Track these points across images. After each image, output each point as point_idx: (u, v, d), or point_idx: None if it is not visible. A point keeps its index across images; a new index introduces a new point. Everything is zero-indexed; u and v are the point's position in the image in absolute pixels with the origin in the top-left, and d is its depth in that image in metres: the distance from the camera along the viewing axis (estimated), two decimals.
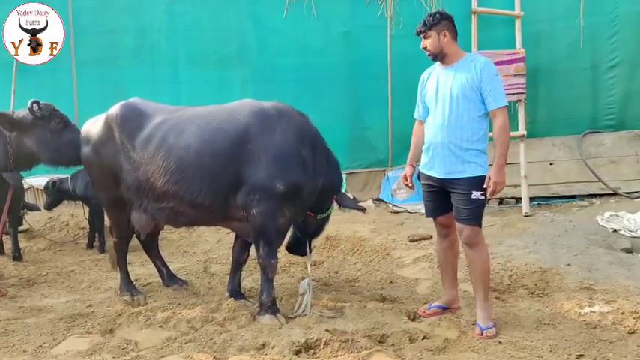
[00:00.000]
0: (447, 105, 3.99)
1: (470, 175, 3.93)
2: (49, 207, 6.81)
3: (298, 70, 8.14)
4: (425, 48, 4.09)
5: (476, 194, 3.91)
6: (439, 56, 4.07)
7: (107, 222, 6.25)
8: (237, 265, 4.75)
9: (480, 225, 4.01)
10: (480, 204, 3.96)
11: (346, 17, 8.18)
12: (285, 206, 4.25)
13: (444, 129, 3.99)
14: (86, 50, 8.01)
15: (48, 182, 6.74)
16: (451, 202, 4.06)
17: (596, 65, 7.95)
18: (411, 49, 7.90)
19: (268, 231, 4.21)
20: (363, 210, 4.83)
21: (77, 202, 6.84)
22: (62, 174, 6.66)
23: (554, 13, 7.92)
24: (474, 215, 3.96)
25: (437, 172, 4.07)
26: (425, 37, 4.07)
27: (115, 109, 4.53)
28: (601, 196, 7.42)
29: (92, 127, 4.66)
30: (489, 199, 4.00)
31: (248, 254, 4.81)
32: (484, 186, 3.89)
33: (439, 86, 4.07)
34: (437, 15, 4.06)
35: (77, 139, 4.77)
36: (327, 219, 4.69)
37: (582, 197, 7.49)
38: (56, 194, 6.70)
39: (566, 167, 7.66)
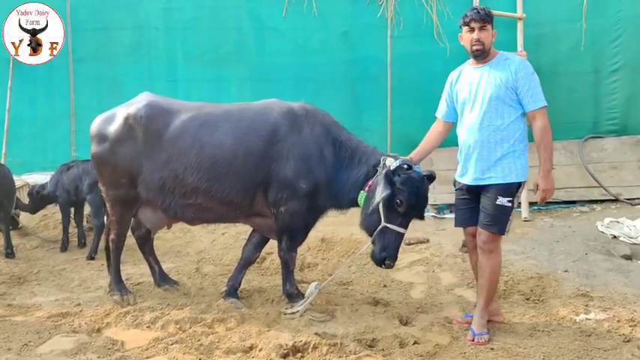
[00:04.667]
0: (481, 107, 3.80)
1: (496, 182, 3.77)
2: (33, 211, 6.81)
3: (297, 70, 8.07)
4: (479, 40, 3.79)
5: (501, 200, 3.76)
6: (485, 53, 3.83)
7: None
8: (246, 264, 4.74)
9: (500, 232, 3.83)
10: (503, 211, 3.78)
11: (346, 17, 8.11)
12: (310, 203, 4.32)
13: (477, 131, 3.82)
14: (83, 47, 8.00)
15: (32, 189, 6.73)
16: None
17: (599, 69, 7.81)
18: (411, 50, 7.95)
19: (293, 228, 4.41)
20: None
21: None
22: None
23: (557, 15, 7.79)
24: (495, 221, 3.79)
25: (468, 179, 3.92)
26: (481, 29, 3.79)
27: (137, 109, 4.45)
28: (602, 201, 7.31)
29: (106, 125, 4.55)
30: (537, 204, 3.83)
31: (259, 255, 4.83)
32: (534, 193, 3.73)
33: (472, 87, 3.87)
34: (489, 11, 3.82)
35: None
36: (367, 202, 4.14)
37: (583, 203, 7.37)
38: (38, 201, 6.68)
39: (567, 172, 7.54)
